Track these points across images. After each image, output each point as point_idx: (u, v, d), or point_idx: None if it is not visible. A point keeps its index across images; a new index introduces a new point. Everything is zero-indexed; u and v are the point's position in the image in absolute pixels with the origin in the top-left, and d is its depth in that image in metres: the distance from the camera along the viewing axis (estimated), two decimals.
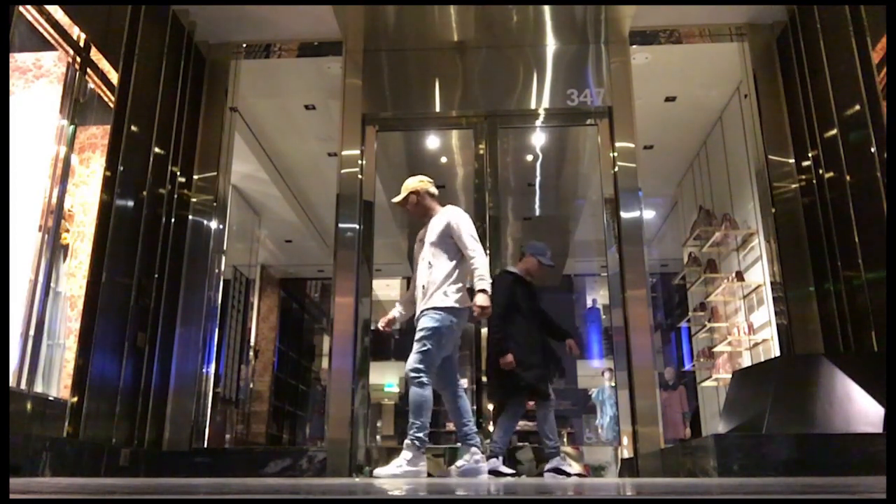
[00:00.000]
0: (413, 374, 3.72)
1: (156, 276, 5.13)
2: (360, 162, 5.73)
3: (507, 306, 4.55)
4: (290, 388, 10.42)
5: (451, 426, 7.87)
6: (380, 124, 5.96)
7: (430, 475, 3.97)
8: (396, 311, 4.11)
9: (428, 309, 3.80)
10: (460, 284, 3.85)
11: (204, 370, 5.42)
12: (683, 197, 8.25)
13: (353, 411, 5.16)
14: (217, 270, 5.68)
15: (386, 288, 10.64)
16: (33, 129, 4.28)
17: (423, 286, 3.86)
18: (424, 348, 3.74)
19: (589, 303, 11.00)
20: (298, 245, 9.72)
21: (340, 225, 5.56)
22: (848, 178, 4.76)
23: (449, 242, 3.89)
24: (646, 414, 4.98)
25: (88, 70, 4.57)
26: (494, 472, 4.29)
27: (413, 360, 3.75)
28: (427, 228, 4.02)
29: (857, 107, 4.57)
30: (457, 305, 3.79)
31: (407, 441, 3.69)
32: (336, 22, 5.66)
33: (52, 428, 4.08)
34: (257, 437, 9.00)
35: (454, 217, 3.93)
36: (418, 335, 3.77)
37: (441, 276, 3.83)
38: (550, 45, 5.92)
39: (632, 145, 5.64)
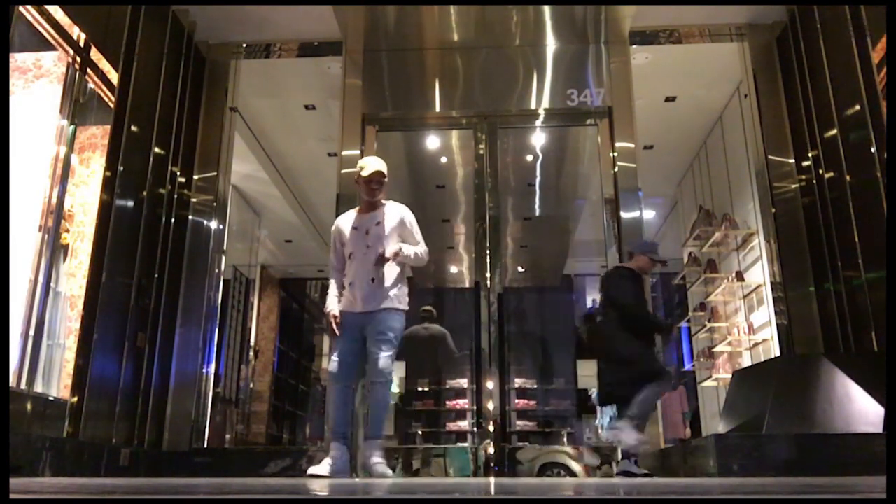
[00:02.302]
0: (391, 378, 3.71)
1: (156, 276, 5.13)
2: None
3: (641, 297, 4.55)
4: (290, 388, 10.40)
5: (451, 426, 7.88)
6: (380, 124, 5.96)
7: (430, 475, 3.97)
8: (337, 309, 3.87)
9: (389, 309, 3.71)
10: (405, 284, 3.87)
11: (204, 370, 5.42)
12: (683, 197, 8.25)
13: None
14: (217, 270, 5.68)
15: None
16: (33, 129, 4.27)
17: (373, 279, 3.72)
18: (393, 350, 3.72)
19: (589, 303, 10.97)
20: (298, 245, 9.71)
21: None
22: (848, 178, 4.76)
23: (397, 238, 3.81)
24: None
25: (88, 70, 4.57)
26: (627, 474, 4.13)
27: (388, 363, 3.67)
28: (371, 217, 3.84)
29: (857, 107, 4.57)
30: (407, 308, 3.85)
31: (380, 440, 3.70)
32: (336, 22, 5.66)
33: (52, 428, 4.08)
34: (257, 437, 8.99)
35: (407, 213, 3.90)
36: (387, 335, 3.67)
37: (394, 274, 3.76)
38: (550, 45, 5.92)
39: (632, 145, 5.64)
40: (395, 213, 3.86)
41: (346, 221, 3.92)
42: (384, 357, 3.64)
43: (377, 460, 3.60)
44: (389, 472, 3.67)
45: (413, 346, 6.45)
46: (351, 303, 3.76)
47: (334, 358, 3.78)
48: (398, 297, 3.76)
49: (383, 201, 3.91)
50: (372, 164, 3.81)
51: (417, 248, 3.83)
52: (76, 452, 4.11)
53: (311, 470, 3.59)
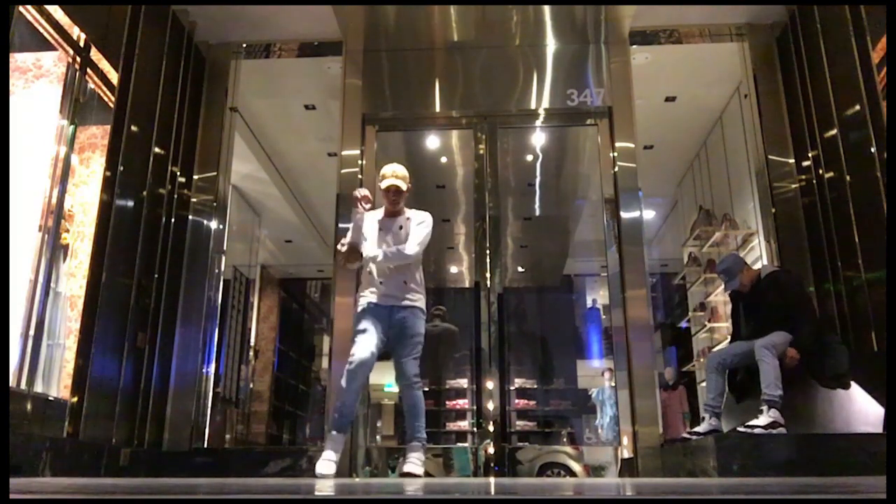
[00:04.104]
0: (416, 381, 3.78)
1: (156, 276, 5.13)
2: (360, 162, 5.73)
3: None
4: (290, 388, 10.40)
5: (451, 426, 7.87)
6: (380, 124, 5.96)
7: (429, 475, 3.97)
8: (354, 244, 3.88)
9: (416, 310, 3.82)
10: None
11: (204, 370, 5.42)
12: (683, 197, 8.25)
13: None
14: (217, 270, 5.68)
15: None
16: (33, 129, 4.27)
17: (405, 281, 3.83)
18: (420, 355, 3.82)
19: (589, 303, 10.98)
20: (298, 245, 9.71)
21: (340, 225, 5.55)
22: (848, 178, 4.76)
23: None
24: (646, 414, 4.98)
25: (88, 70, 4.57)
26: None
27: (416, 368, 3.79)
28: (394, 222, 3.92)
29: (857, 107, 4.57)
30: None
31: (418, 443, 3.73)
32: (336, 22, 5.66)
33: (52, 428, 4.08)
34: (257, 437, 8.99)
35: (420, 218, 3.94)
36: (414, 339, 3.78)
37: (419, 278, 3.90)
38: (550, 45, 5.92)
39: (632, 145, 5.63)
40: (414, 221, 3.93)
41: (372, 215, 3.97)
42: (416, 362, 3.78)
43: (415, 463, 3.67)
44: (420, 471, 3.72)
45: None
46: (376, 294, 3.80)
47: (363, 346, 3.67)
48: (422, 298, 3.87)
49: (406, 209, 3.98)
50: (390, 178, 3.86)
51: (391, 249, 3.82)
52: (76, 452, 4.11)
53: (320, 470, 3.56)
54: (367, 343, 3.68)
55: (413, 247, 3.81)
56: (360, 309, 3.81)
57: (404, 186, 3.88)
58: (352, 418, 3.80)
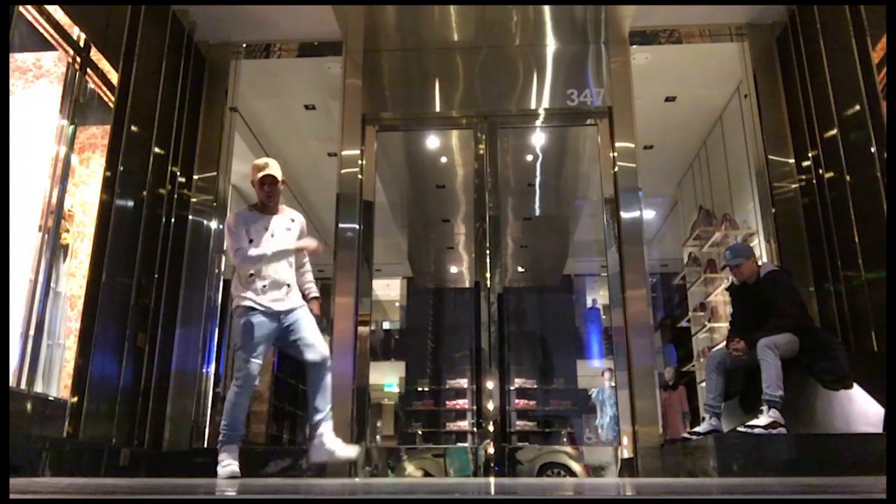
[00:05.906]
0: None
1: (156, 276, 5.13)
2: (360, 162, 5.73)
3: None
4: (290, 388, 10.39)
5: (451, 426, 7.88)
6: (380, 124, 5.96)
7: (429, 475, 3.97)
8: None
9: (302, 306, 3.75)
10: None
11: (204, 370, 5.42)
12: (683, 197, 8.25)
13: (353, 411, 5.16)
14: (217, 270, 5.68)
15: (386, 288, 10.62)
16: (33, 129, 4.28)
17: (289, 285, 3.69)
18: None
19: (589, 303, 10.99)
20: None
21: (340, 225, 5.56)
22: (848, 178, 4.76)
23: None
24: (646, 414, 4.98)
25: (88, 70, 4.57)
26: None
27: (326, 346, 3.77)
28: (278, 220, 3.75)
29: (857, 107, 4.57)
30: None
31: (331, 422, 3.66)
32: (336, 22, 5.66)
33: (52, 428, 4.08)
34: (257, 437, 8.98)
35: (303, 221, 3.92)
36: (314, 323, 3.75)
37: (294, 278, 3.80)
38: (550, 45, 5.92)
39: (632, 145, 5.64)
40: (298, 220, 3.86)
41: (250, 218, 3.72)
42: (325, 342, 3.75)
43: (339, 442, 3.60)
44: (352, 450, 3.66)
45: None
46: (268, 300, 3.61)
47: (254, 360, 3.54)
48: (301, 296, 3.84)
49: (282, 206, 3.85)
50: (266, 168, 3.65)
51: (310, 272, 3.96)
52: (76, 452, 4.11)
53: (229, 473, 3.43)
54: (259, 356, 3.58)
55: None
56: (246, 318, 3.57)
57: (281, 177, 3.70)
58: (242, 431, 3.66)
